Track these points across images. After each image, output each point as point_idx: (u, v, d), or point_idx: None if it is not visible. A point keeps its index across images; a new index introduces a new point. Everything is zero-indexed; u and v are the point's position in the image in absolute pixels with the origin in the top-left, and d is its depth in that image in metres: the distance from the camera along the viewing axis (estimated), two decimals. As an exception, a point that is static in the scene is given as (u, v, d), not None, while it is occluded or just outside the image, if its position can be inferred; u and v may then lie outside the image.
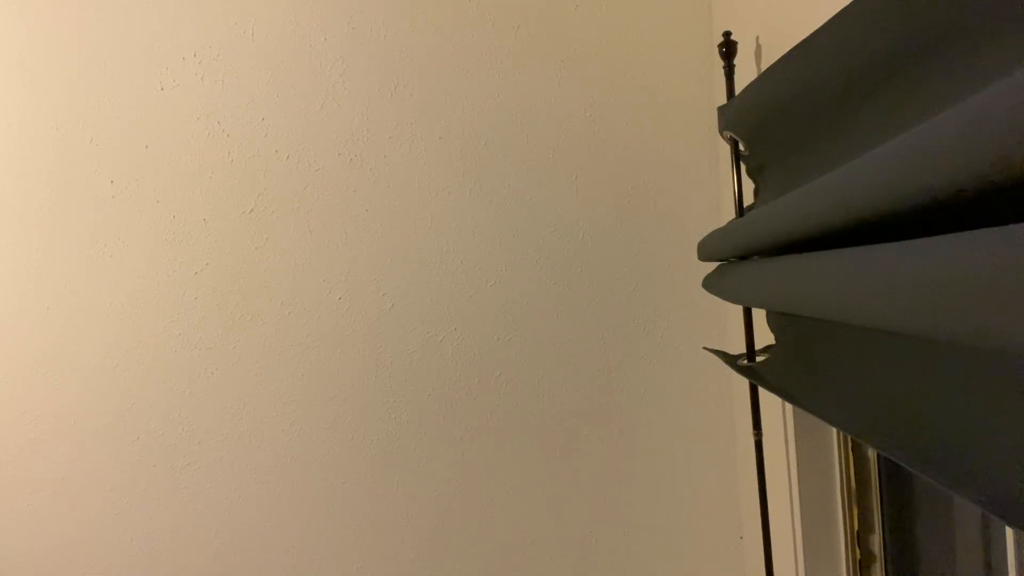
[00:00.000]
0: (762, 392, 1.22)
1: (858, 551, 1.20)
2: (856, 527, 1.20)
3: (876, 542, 1.18)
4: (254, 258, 1.44)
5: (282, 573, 1.47)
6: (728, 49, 1.15)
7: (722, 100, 1.27)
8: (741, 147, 1.13)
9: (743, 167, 1.16)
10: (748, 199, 1.18)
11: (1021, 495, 0.45)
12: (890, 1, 0.59)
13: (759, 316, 1.17)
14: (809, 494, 1.22)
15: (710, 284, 1.13)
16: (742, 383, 1.42)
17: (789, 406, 1.22)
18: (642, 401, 1.51)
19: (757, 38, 1.19)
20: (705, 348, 1.28)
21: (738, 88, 1.18)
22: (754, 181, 1.15)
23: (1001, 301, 0.34)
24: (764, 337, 1.13)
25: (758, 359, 1.09)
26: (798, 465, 1.22)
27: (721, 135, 1.16)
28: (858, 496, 1.20)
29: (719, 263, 1.14)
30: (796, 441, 1.22)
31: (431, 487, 1.49)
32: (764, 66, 1.15)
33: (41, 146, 1.40)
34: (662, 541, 1.52)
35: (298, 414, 1.46)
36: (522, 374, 1.49)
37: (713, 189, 1.50)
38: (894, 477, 1.14)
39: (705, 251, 1.11)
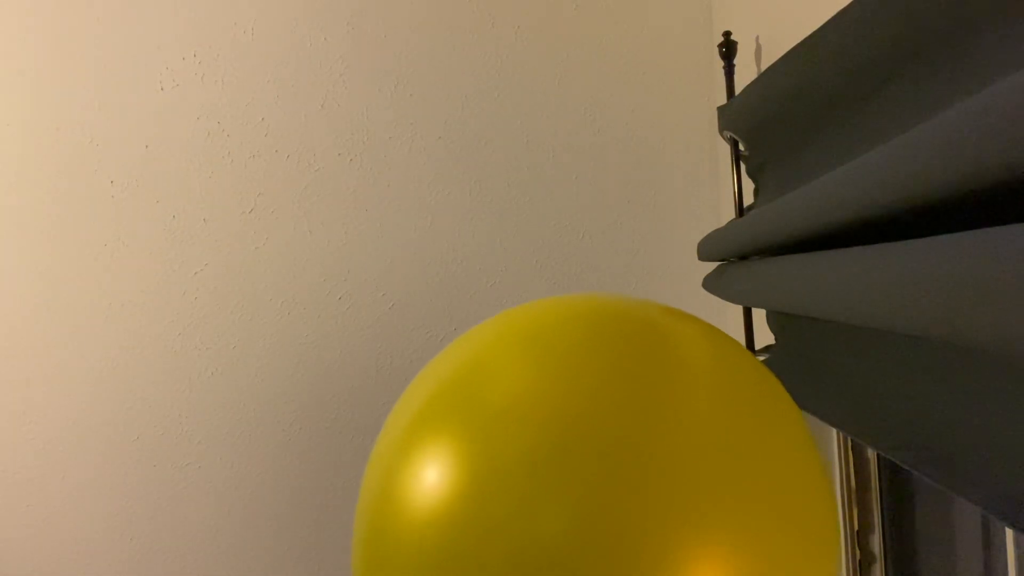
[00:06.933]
0: (762, 392, 1.21)
1: (858, 551, 1.20)
2: (856, 527, 1.20)
3: (876, 542, 1.18)
4: (254, 258, 1.44)
5: (282, 573, 1.47)
6: (728, 49, 1.15)
7: (722, 100, 1.27)
8: (741, 147, 1.13)
9: (743, 167, 1.16)
10: (748, 199, 1.18)
11: (1021, 495, 0.45)
12: (891, 0, 0.59)
13: (759, 316, 1.17)
14: (809, 494, 1.22)
15: (710, 284, 1.13)
16: (742, 383, 1.42)
17: (789, 406, 1.21)
18: (642, 401, 1.51)
19: (757, 38, 1.19)
20: (705, 348, 1.28)
21: (738, 88, 1.18)
22: (754, 181, 1.15)
23: (1003, 301, 0.34)
24: (764, 337, 1.13)
25: (758, 359, 1.09)
26: (798, 465, 1.21)
27: (721, 135, 1.16)
28: (858, 496, 1.20)
29: (719, 263, 1.14)
30: (796, 441, 1.21)
31: (431, 487, 1.48)
32: (764, 66, 1.15)
33: (41, 146, 1.40)
34: (662, 541, 1.52)
35: (298, 414, 1.46)
36: (522, 374, 1.49)
37: (713, 189, 1.50)
38: (894, 477, 1.14)
39: (705, 251, 1.11)
